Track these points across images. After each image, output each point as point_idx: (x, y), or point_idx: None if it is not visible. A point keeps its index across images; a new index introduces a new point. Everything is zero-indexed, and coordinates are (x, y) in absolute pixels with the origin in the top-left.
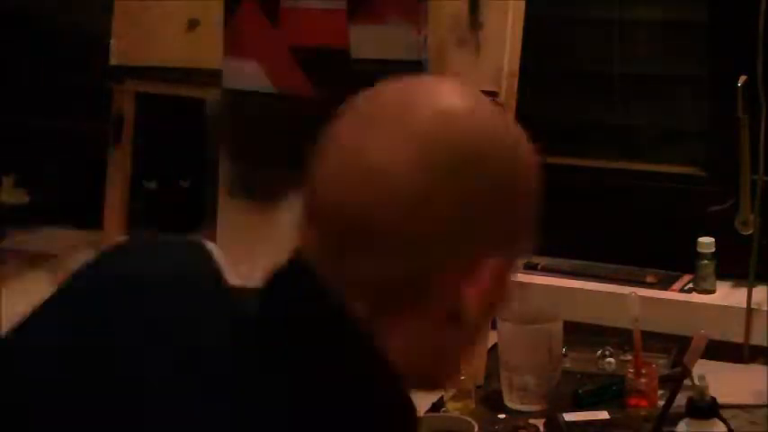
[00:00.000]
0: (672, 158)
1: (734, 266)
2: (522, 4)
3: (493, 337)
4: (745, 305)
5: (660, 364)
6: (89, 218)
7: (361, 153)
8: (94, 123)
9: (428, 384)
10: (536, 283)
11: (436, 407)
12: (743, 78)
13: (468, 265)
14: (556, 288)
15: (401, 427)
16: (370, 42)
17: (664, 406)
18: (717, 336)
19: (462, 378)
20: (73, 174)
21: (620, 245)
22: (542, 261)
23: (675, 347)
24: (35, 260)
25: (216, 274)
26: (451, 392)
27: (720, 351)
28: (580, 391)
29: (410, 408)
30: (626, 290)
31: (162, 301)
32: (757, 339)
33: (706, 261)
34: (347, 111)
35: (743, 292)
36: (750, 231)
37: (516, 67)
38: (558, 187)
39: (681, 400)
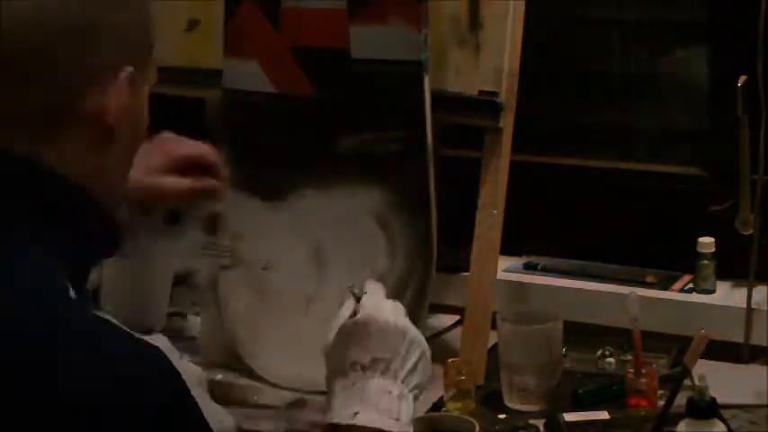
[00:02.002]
0: (672, 158)
1: (734, 266)
2: (522, 4)
3: (493, 337)
4: (745, 305)
5: (660, 364)
6: None
7: None
8: None
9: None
10: (536, 283)
11: (436, 407)
12: (743, 78)
13: (105, 80)
14: (556, 288)
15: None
16: (370, 42)
17: (664, 406)
18: (717, 336)
19: (462, 378)
20: None
21: (620, 245)
22: (542, 261)
23: (675, 347)
24: None
25: None
26: (451, 392)
27: (720, 351)
28: (580, 391)
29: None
30: (626, 290)
31: None
32: (757, 339)
33: (706, 261)
34: None
35: (743, 292)
36: (750, 231)
37: (516, 67)
38: (558, 187)
39: (681, 400)
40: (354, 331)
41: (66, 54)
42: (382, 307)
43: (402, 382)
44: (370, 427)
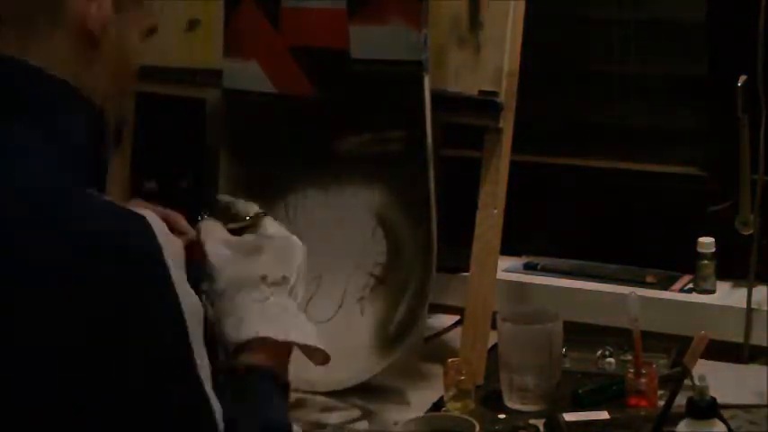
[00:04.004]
0: (672, 158)
1: (734, 266)
2: (522, 4)
3: (493, 337)
4: (745, 305)
5: (660, 364)
6: None
7: None
8: None
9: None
10: (536, 283)
11: (436, 407)
12: (743, 78)
13: None
14: (556, 288)
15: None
16: (370, 42)
17: (664, 406)
18: (717, 336)
19: (462, 378)
20: None
21: (620, 245)
22: (542, 261)
23: (675, 347)
24: None
25: None
26: (451, 392)
27: (720, 351)
28: (580, 391)
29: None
30: (626, 290)
31: None
32: (757, 339)
33: (706, 261)
34: None
35: (743, 292)
36: (750, 231)
37: (516, 67)
38: (558, 187)
39: (681, 400)
40: (260, 246)
41: None
42: (276, 226)
43: (296, 301)
44: (300, 344)
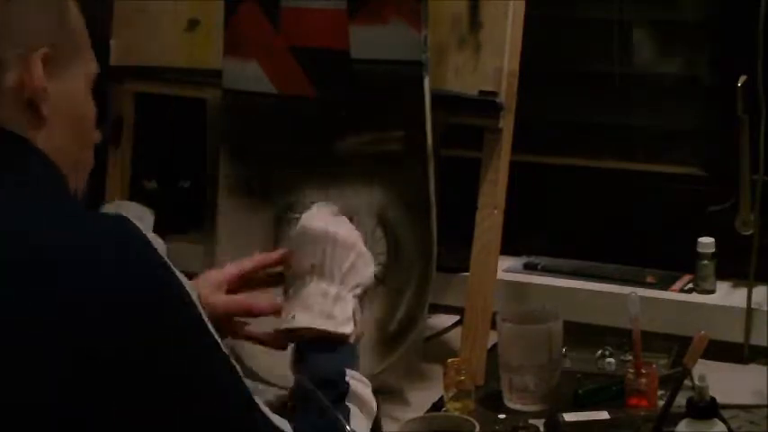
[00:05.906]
0: (672, 158)
1: (734, 266)
2: (522, 4)
3: (493, 337)
4: (745, 305)
5: (660, 364)
6: None
7: None
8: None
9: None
10: (536, 283)
11: (436, 407)
12: (743, 78)
13: (19, 60)
14: (556, 288)
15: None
16: (370, 42)
17: (664, 406)
18: (717, 336)
19: (462, 378)
20: None
21: (620, 245)
22: (542, 261)
23: (675, 347)
24: None
25: None
26: (451, 392)
27: (720, 351)
28: (580, 391)
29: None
30: (626, 290)
31: None
32: (757, 339)
33: (706, 261)
34: None
35: (743, 292)
36: (750, 231)
37: (516, 67)
38: (558, 187)
39: (681, 400)
40: (292, 244)
41: None
42: (311, 216)
43: (341, 284)
44: (310, 328)
